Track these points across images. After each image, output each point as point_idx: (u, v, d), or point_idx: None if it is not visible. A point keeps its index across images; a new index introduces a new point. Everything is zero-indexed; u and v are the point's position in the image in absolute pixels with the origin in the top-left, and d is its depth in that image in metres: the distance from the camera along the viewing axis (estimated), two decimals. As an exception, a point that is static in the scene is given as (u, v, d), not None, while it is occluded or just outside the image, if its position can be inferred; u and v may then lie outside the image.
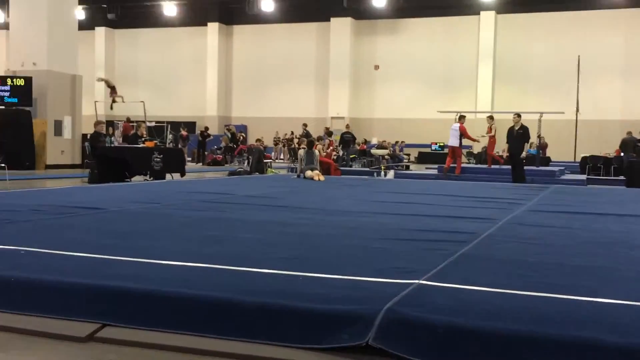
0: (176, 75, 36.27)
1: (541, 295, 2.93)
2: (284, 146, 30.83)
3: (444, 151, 29.57)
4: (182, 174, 13.45)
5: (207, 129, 26.57)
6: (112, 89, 20.28)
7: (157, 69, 36.40)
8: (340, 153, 22.08)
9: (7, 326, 2.83)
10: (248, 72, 35.28)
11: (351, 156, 23.06)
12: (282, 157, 30.89)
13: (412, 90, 32.29)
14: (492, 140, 17.44)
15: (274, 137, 31.63)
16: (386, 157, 24.14)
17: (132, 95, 34.56)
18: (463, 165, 17.62)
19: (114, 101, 20.14)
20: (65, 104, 18.77)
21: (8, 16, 19.53)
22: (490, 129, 17.28)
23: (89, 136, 14.98)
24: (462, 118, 16.61)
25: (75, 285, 3.00)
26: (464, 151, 28.07)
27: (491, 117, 17.68)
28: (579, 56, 28.28)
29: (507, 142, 14.72)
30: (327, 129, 24.26)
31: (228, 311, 2.74)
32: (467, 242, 4.48)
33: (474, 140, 17.48)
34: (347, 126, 23.51)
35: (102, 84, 33.25)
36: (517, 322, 2.50)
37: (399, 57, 32.58)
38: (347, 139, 21.74)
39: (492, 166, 17.37)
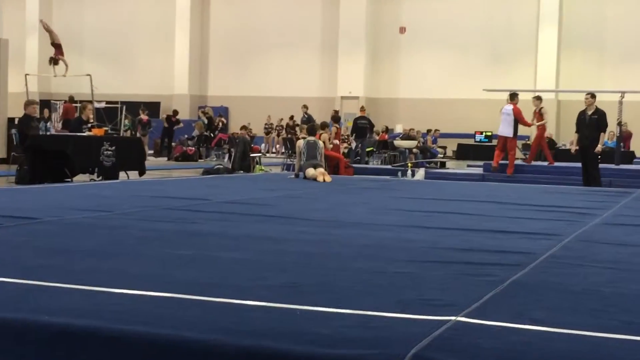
0: (134, 42, 36.34)
1: (620, 338, 2.94)
2: (277, 135, 30.85)
3: (493, 143, 29.57)
4: (142, 172, 13.48)
5: (175, 112, 26.64)
6: (58, 48, 20.09)
7: (109, 33, 36.49)
8: (353, 145, 22.10)
9: None
10: (230, 39, 35.33)
11: (367, 149, 23.07)
12: (275, 150, 30.94)
13: (449, 61, 32.29)
14: (542, 128, 17.40)
15: (265, 124, 31.67)
16: (414, 150, 24.18)
17: (75, 67, 34.58)
18: (518, 162, 17.62)
19: (55, 62, 19.95)
20: (-14, 78, 18.81)
21: None
22: (539, 115, 17.16)
23: (17, 121, 15.01)
24: (514, 97, 16.58)
25: (-1, 321, 3.01)
26: (519, 143, 28.09)
27: (538, 98, 17.58)
28: (673, 17, 28.24)
29: (577, 132, 14.71)
30: (335, 112, 24.30)
31: (202, 356, 2.75)
32: (522, 266, 4.48)
33: (529, 125, 17.51)
34: (362, 109, 23.48)
35: (37, 48, 33.35)
36: (586, 374, 2.50)
37: (432, 17, 32.60)
38: (362, 127, 21.74)
39: (536, 162, 17.41)
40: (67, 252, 4.65)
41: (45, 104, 26.34)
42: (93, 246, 4.91)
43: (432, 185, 12.80)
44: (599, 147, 14.27)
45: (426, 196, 9.92)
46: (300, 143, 12.95)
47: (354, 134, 21.95)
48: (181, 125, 26.50)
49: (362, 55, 33.14)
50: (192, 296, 3.45)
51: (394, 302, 3.45)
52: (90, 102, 18.10)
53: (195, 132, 25.89)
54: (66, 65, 20.12)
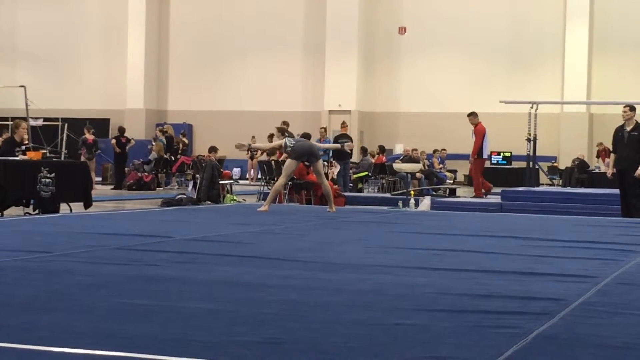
0: (78, 46, 36.34)
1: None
2: (251, 158, 30.83)
3: (513, 166, 29.74)
4: (88, 204, 13.44)
5: (122, 130, 26.44)
6: None
7: (48, 37, 36.47)
8: (335, 170, 22.09)
9: None
10: (194, 42, 35.39)
11: (362, 174, 23.08)
12: (249, 175, 30.90)
13: (459, 68, 32.46)
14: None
15: (249, 146, 31.43)
16: (418, 175, 24.22)
17: (6, 76, 34.54)
18: (544, 188, 17.71)
19: None
20: None
21: None
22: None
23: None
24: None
25: None
26: (544, 165, 28.27)
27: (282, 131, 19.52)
28: None
29: (614, 152, 14.78)
30: (323, 129, 24.28)
31: None
32: (549, 315, 4.49)
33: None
34: (344, 125, 23.37)
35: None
36: None
37: (438, 15, 32.80)
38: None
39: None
40: (-2, 303, 4.62)
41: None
42: (28, 296, 4.88)
43: (440, 218, 12.81)
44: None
45: (433, 231, 9.92)
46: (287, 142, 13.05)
47: (334, 156, 21.92)
48: (133, 142, 26.31)
49: (354, 61, 33.21)
50: (150, 355, 3.43)
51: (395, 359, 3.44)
52: (25, 119, 18.06)
53: (153, 155, 25.82)
54: None
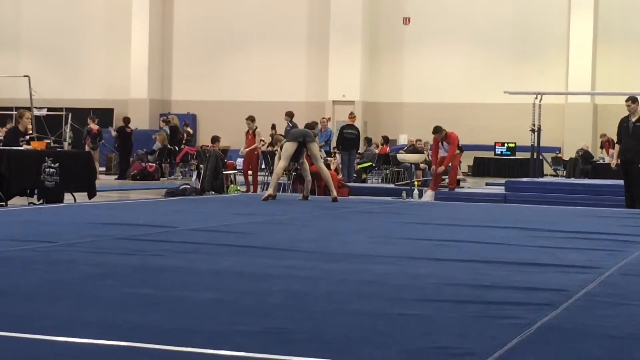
0: (82, 36, 36.32)
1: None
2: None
3: (517, 156, 29.71)
4: (92, 194, 13.46)
5: (126, 121, 26.49)
6: None
7: (52, 26, 36.47)
8: (338, 158, 22.08)
9: None
10: (198, 32, 35.36)
11: (365, 164, 23.05)
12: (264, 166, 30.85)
13: (463, 59, 32.42)
14: (252, 154, 18.90)
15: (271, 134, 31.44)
16: (422, 166, 24.22)
17: (10, 66, 34.56)
18: (548, 179, 17.66)
19: None
20: None
21: None
22: (252, 136, 19.12)
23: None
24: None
25: None
26: (548, 155, 28.28)
27: (252, 119, 19.85)
28: None
29: (618, 143, 14.77)
30: (324, 119, 24.26)
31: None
32: (552, 306, 4.50)
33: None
34: (352, 115, 23.29)
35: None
36: None
37: (442, 5, 32.75)
38: (350, 138, 21.70)
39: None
40: (2, 293, 4.63)
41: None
42: (33, 286, 4.89)
43: (444, 208, 12.81)
44: (645, 162, 14.30)
45: (437, 221, 9.93)
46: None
47: (339, 147, 21.89)
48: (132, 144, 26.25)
49: (358, 52, 33.16)
50: (155, 345, 3.44)
51: (399, 351, 3.45)
52: (29, 109, 18.07)
53: (157, 145, 25.83)
54: None
